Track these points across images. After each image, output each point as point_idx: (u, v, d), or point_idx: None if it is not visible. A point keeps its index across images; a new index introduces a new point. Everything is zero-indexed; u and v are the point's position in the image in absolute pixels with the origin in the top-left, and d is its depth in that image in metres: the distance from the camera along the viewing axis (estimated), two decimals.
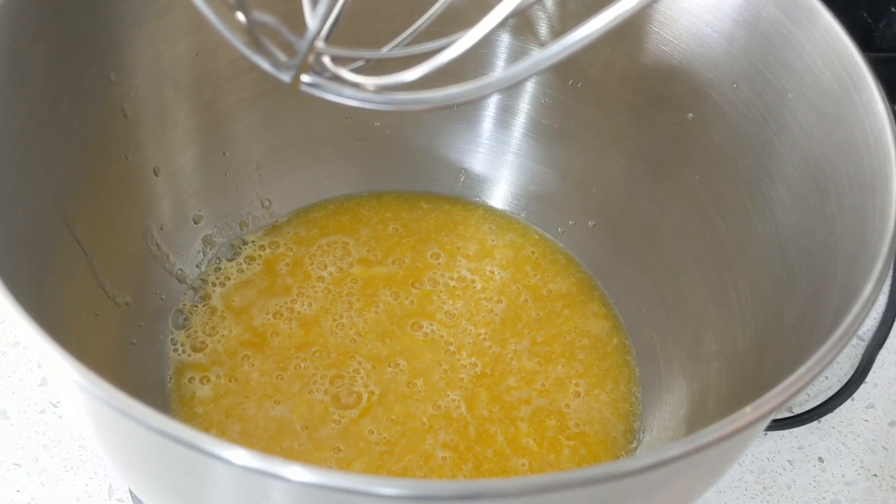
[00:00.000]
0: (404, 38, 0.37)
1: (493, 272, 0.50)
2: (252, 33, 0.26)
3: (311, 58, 0.28)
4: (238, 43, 0.28)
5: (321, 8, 0.26)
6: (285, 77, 0.28)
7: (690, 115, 0.43)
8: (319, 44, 0.27)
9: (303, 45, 0.26)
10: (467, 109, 0.51)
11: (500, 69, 0.49)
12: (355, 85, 0.28)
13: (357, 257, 0.50)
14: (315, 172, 0.52)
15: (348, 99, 0.28)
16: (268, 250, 0.50)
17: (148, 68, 0.42)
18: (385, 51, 0.36)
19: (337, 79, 0.29)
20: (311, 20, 0.27)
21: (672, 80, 0.43)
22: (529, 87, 0.49)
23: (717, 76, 0.41)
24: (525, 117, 0.50)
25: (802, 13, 0.36)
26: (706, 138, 0.42)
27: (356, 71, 0.29)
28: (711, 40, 0.40)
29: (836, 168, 0.34)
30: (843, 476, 0.48)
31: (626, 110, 0.46)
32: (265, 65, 0.28)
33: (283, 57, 0.28)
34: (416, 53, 0.34)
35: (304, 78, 0.28)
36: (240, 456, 0.21)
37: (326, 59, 0.29)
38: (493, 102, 0.50)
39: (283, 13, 0.27)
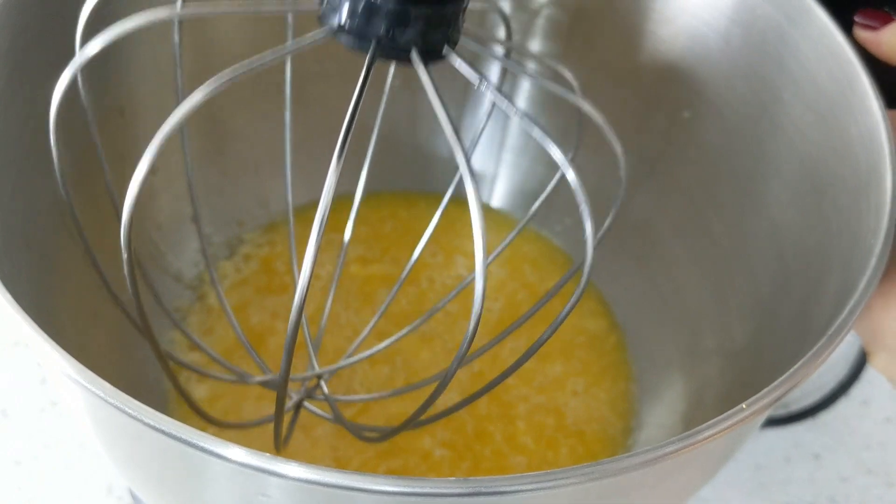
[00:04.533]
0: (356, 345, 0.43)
1: (490, 270, 0.50)
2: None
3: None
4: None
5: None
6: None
7: (686, 113, 0.43)
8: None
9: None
10: (466, 109, 0.51)
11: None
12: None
13: (354, 256, 0.50)
14: (312, 171, 0.52)
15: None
16: (265, 249, 0.50)
17: (147, 67, 0.42)
18: (342, 363, 0.42)
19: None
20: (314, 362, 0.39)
21: (668, 79, 0.43)
22: (526, 85, 0.49)
23: (713, 75, 0.41)
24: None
25: (798, 12, 0.36)
26: (702, 137, 0.42)
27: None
28: (708, 39, 0.40)
29: (831, 166, 0.34)
30: (839, 472, 0.48)
31: (623, 109, 0.46)
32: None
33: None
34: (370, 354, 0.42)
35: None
36: (238, 453, 0.21)
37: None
38: (490, 101, 0.50)
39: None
